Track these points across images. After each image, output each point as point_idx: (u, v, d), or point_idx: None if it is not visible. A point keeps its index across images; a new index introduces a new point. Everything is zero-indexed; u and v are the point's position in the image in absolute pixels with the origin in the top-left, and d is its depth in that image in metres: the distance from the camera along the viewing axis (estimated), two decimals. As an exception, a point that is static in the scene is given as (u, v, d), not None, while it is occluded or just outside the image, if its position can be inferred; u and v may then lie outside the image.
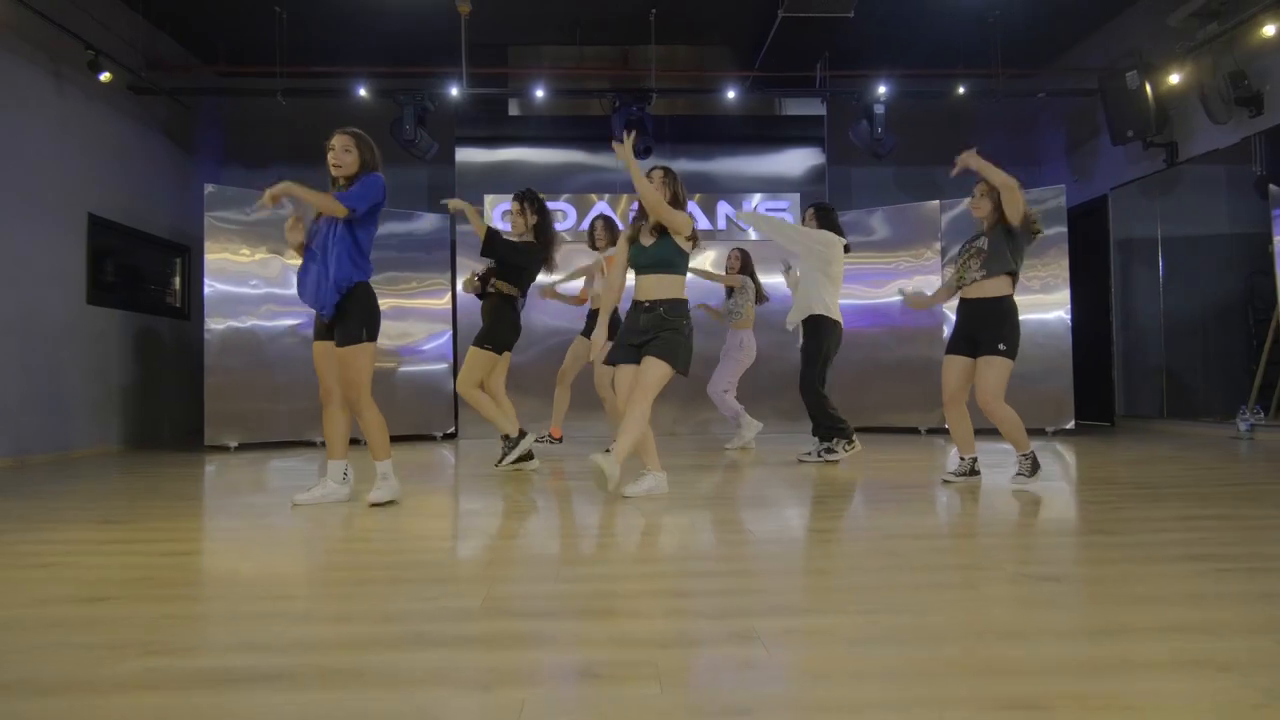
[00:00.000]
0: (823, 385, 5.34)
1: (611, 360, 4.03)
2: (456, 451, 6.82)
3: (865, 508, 3.73)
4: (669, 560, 2.71)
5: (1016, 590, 2.20)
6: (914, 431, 7.89)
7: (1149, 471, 4.81)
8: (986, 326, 3.99)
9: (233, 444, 7.03)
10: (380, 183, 3.62)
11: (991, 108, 8.77)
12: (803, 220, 5.51)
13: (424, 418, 8.02)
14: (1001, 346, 3.95)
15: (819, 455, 5.33)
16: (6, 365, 6.00)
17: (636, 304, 3.99)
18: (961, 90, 7.97)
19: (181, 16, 7.88)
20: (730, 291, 6.47)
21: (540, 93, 7.95)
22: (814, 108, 8.78)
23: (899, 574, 2.41)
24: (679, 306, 3.92)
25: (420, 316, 8.08)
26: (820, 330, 5.28)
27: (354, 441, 4.15)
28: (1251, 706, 1.43)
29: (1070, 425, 7.47)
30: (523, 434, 5.00)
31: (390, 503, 3.73)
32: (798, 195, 8.52)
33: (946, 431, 7.71)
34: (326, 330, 3.67)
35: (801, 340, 5.44)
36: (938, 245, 8.03)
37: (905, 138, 8.52)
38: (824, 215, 5.38)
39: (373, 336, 3.62)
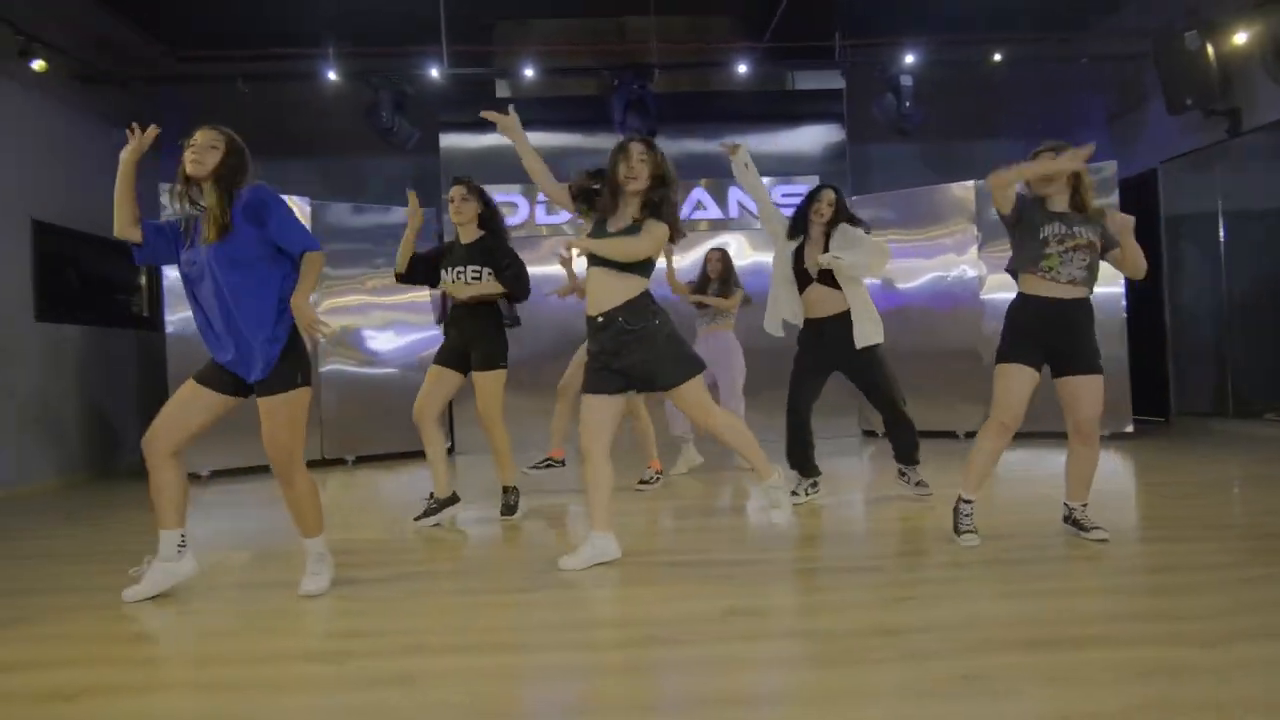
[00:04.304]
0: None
1: (587, 388, 3.23)
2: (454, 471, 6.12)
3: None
4: None
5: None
6: (952, 436, 7.15)
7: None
8: (1079, 335, 3.22)
9: (204, 472, 6.34)
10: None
11: (1025, 76, 7.97)
12: (823, 202, 4.47)
13: (410, 433, 7.32)
14: (1101, 363, 3.24)
15: (916, 483, 4.42)
16: (-63, 394, 5.34)
17: (589, 319, 3.20)
18: (998, 58, 7.17)
19: (136, -2, 7.13)
20: (724, 287, 5.61)
21: (530, 71, 7.16)
22: (831, 81, 7.99)
23: None
24: (640, 308, 3.14)
25: (401, 318, 7.42)
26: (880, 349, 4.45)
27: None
28: None
29: (1129, 429, 6.72)
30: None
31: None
32: (816, 177, 7.75)
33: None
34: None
35: (859, 351, 4.43)
36: (973, 230, 7.31)
37: (927, 112, 7.74)
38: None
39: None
